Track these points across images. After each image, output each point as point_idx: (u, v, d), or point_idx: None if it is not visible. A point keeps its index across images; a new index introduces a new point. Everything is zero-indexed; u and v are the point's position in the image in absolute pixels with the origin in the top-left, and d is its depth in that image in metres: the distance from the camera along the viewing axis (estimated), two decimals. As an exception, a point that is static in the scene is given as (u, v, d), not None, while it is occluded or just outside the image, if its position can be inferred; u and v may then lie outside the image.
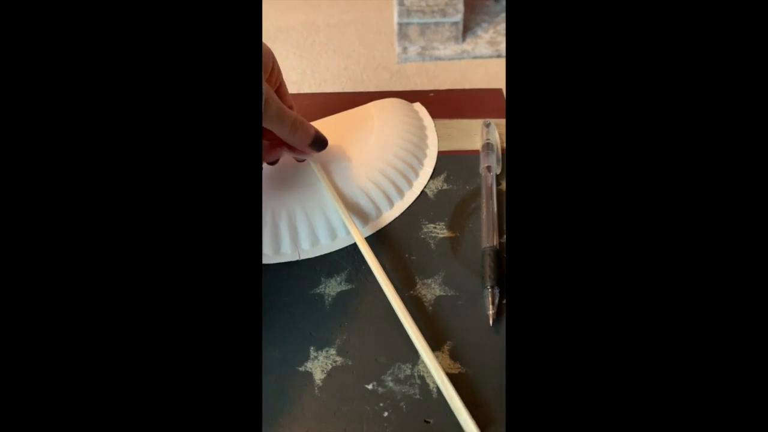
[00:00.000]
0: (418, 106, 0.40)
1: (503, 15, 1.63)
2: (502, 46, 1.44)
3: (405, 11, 1.44)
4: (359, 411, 0.23)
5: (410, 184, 0.34)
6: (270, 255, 0.30)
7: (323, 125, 0.35)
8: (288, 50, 1.53)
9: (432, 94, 0.42)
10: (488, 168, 0.33)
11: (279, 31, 1.64)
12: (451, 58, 1.44)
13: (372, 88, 1.35)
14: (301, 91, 1.40)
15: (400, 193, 0.33)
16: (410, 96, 0.42)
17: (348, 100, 0.41)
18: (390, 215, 0.32)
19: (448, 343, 0.25)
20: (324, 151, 0.32)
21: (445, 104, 0.41)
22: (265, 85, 0.26)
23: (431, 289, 0.27)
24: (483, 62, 1.43)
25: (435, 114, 0.40)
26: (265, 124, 0.27)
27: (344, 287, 0.28)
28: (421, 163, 0.35)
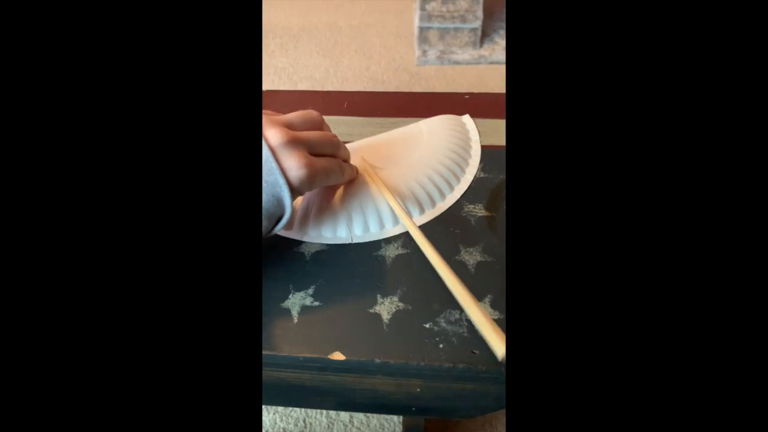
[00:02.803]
0: (466, 118, 0.46)
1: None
2: (518, 53, 1.50)
3: (426, 16, 1.50)
4: (419, 344, 0.29)
5: (458, 179, 0.40)
6: (329, 237, 0.36)
7: (379, 141, 0.43)
8: (312, 49, 1.60)
9: (467, 97, 0.49)
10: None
11: (302, 31, 1.71)
12: (468, 63, 1.50)
13: (392, 89, 1.41)
14: (325, 89, 1.46)
15: (450, 187, 0.39)
16: (446, 98, 0.48)
17: (370, 98, 0.47)
18: (441, 206, 0.38)
19: (489, 296, 0.31)
20: (378, 159, 0.40)
21: (478, 105, 0.47)
22: (335, 161, 0.34)
23: (473, 256, 0.33)
24: (499, 67, 1.48)
25: (470, 114, 0.46)
26: (341, 182, 0.36)
27: (401, 251, 0.34)
28: (467, 162, 0.41)
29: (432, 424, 0.70)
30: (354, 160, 0.39)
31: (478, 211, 0.37)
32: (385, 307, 0.31)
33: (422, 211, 0.37)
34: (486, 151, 0.42)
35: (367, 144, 0.44)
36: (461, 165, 0.41)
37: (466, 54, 1.52)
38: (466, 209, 0.37)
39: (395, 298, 0.31)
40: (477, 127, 0.45)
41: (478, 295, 0.31)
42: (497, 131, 0.44)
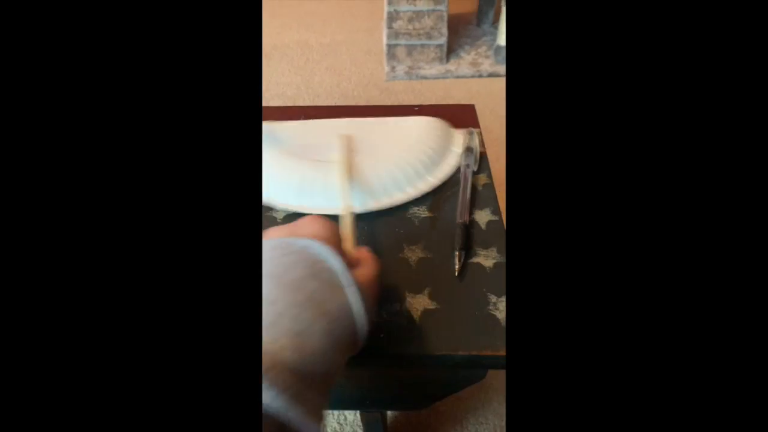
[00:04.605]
0: (463, 132, 0.48)
1: (484, 38, 1.76)
2: (483, 67, 1.56)
3: (393, 33, 1.55)
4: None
5: (414, 185, 0.41)
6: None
7: (372, 126, 0.47)
8: (283, 67, 1.63)
9: (417, 108, 0.52)
10: (467, 165, 0.43)
11: (274, 49, 1.74)
12: (435, 77, 1.56)
13: (362, 103, 1.45)
14: (297, 104, 1.49)
15: (406, 188, 0.41)
16: (398, 111, 0.51)
17: (341, 112, 0.50)
18: (387, 203, 0.40)
19: (427, 289, 0.33)
20: (362, 142, 0.44)
21: (434, 115, 0.51)
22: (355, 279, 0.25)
23: (415, 253, 0.36)
24: (465, 81, 1.54)
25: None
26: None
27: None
28: (430, 172, 0.43)
29: (397, 423, 0.71)
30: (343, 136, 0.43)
31: (422, 212, 0.40)
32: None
33: (371, 201, 0.40)
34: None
35: (362, 126, 0.47)
36: (422, 173, 0.42)
37: (433, 69, 1.57)
38: (411, 211, 0.40)
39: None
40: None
41: (417, 288, 0.33)
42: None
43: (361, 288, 0.24)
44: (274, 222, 0.40)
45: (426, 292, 0.33)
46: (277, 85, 1.54)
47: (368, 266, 0.27)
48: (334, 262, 0.24)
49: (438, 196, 0.41)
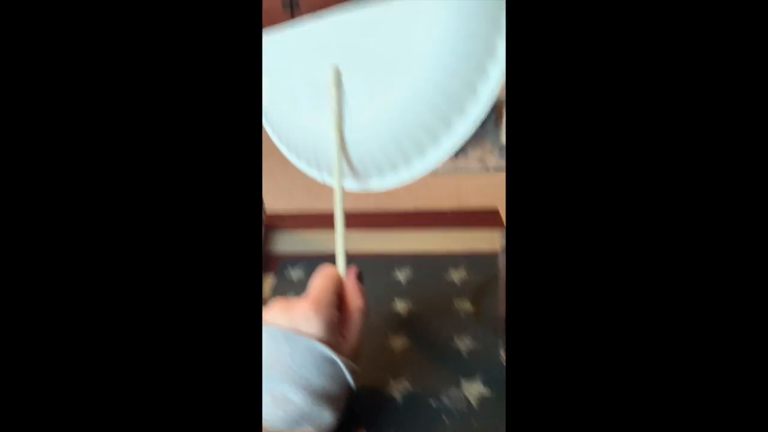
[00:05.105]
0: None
1: (487, 137, 1.93)
2: (489, 162, 1.70)
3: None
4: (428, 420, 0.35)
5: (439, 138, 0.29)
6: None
7: (362, 35, 0.30)
8: (288, 167, 1.77)
9: (449, 213, 0.60)
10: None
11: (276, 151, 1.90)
12: (441, 174, 1.69)
13: (372, 207, 1.55)
14: (301, 208, 1.60)
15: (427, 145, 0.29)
16: (427, 217, 0.59)
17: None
18: (406, 175, 0.31)
19: (479, 375, 0.38)
20: (356, 72, 0.30)
21: (464, 219, 0.58)
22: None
23: (464, 343, 0.41)
24: (474, 176, 1.67)
25: (457, 225, 0.57)
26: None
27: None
28: (464, 110, 0.28)
29: None
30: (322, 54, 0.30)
31: (466, 306, 0.45)
32: (397, 389, 0.37)
33: (380, 174, 0.31)
34: (468, 255, 0.52)
35: (340, 37, 0.30)
36: (447, 115, 0.28)
37: (446, 166, 1.71)
38: (455, 306, 0.45)
39: (406, 382, 0.38)
40: (466, 235, 0.55)
41: (471, 375, 0.38)
42: (479, 240, 0.54)
43: (349, 346, 0.30)
44: (288, 282, 0.45)
45: (479, 378, 0.38)
46: (280, 189, 1.65)
47: (355, 302, 0.32)
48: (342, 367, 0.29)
49: (478, 288, 0.47)
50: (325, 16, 0.30)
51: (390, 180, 0.34)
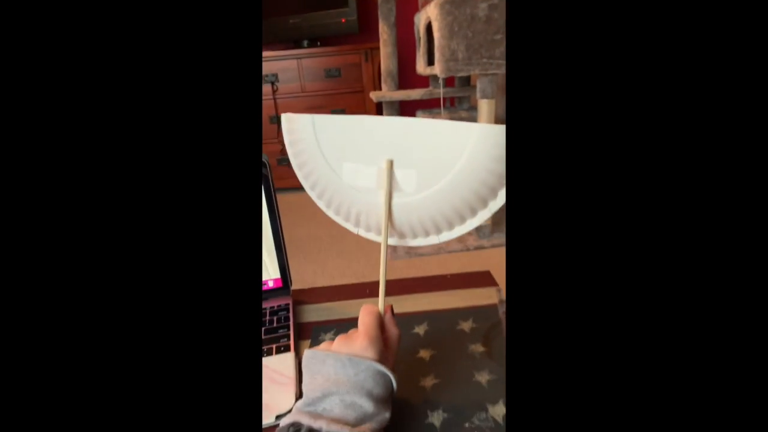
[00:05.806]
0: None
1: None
2: (469, 242, 1.84)
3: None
4: (464, 438, 0.42)
5: (474, 213, 0.41)
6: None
7: (412, 140, 0.39)
8: (298, 256, 1.87)
9: (449, 276, 0.70)
10: (504, 312, 0.59)
11: (290, 243, 2.02)
12: (431, 254, 1.81)
13: (373, 279, 1.64)
14: (316, 286, 1.68)
15: (463, 219, 0.41)
16: (434, 281, 0.69)
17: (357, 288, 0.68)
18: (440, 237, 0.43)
19: (501, 399, 0.45)
20: (404, 167, 0.40)
21: (464, 281, 0.68)
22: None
23: (483, 376, 0.49)
24: (456, 255, 1.80)
25: (458, 286, 0.67)
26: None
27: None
28: (495, 194, 0.39)
29: None
30: (382, 152, 0.40)
31: (479, 348, 0.54)
32: (436, 417, 0.44)
33: (414, 238, 0.43)
34: (473, 309, 0.61)
35: (398, 136, 0.39)
36: (486, 200, 0.39)
37: (429, 248, 1.84)
38: (470, 349, 0.54)
39: (442, 411, 0.45)
40: (466, 295, 0.65)
41: (494, 400, 0.45)
42: (479, 297, 0.64)
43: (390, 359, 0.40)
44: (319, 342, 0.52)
45: (501, 402, 0.45)
46: (296, 272, 1.74)
47: (392, 330, 0.42)
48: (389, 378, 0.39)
49: (486, 333, 0.56)
50: (386, 118, 0.40)
51: (421, 241, 0.46)
